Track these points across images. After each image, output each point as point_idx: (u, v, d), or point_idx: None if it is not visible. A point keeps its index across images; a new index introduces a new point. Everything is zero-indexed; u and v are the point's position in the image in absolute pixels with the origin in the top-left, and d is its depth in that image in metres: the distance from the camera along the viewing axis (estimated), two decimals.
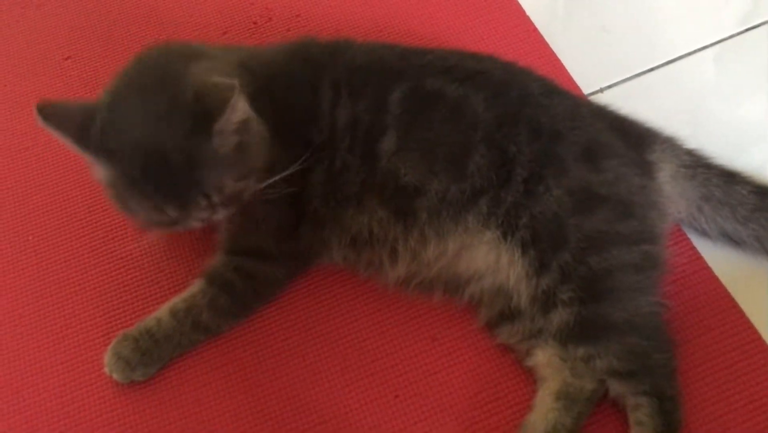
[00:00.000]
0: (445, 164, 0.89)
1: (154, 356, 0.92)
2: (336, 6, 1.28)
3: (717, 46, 1.18)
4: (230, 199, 0.84)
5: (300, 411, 0.90)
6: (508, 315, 0.90)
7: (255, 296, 0.96)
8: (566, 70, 1.15)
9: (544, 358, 0.87)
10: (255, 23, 1.27)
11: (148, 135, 0.79)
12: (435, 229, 0.90)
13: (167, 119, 0.79)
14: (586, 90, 1.13)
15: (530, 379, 0.89)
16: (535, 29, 1.21)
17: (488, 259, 0.90)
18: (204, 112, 0.78)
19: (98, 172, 0.84)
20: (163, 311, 0.93)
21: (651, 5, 1.24)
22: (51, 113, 0.80)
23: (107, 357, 0.92)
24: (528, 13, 1.24)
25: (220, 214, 0.85)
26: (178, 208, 0.82)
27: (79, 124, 0.80)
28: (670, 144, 0.97)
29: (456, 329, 0.94)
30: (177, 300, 0.94)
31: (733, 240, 0.96)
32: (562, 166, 0.88)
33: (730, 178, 0.95)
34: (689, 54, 1.17)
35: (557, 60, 1.17)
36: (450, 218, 0.90)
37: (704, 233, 0.97)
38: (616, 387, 0.85)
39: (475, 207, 0.89)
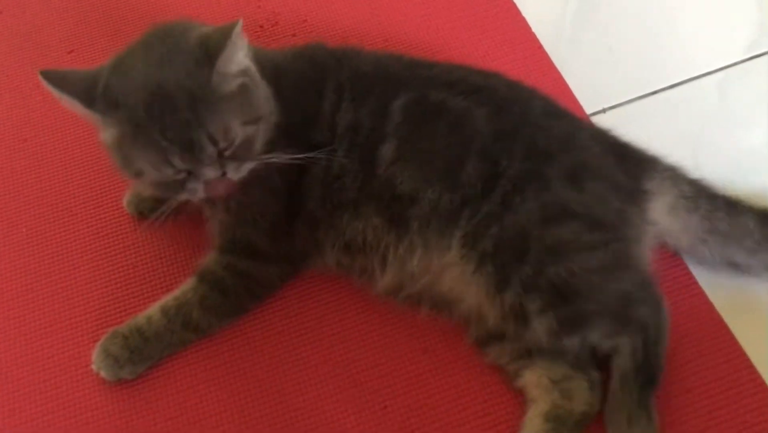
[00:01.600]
0: (440, 174, 0.89)
1: (144, 354, 0.91)
2: (343, 13, 1.28)
3: (722, 72, 1.18)
4: (239, 149, 0.83)
5: (288, 419, 0.89)
6: (495, 335, 0.90)
7: (246, 296, 0.95)
8: (570, 89, 1.15)
9: (533, 378, 0.87)
10: (261, 27, 1.27)
11: (151, 77, 0.80)
12: (423, 240, 0.90)
13: (169, 62, 0.80)
14: (588, 110, 1.14)
15: (520, 397, 0.88)
16: (541, 47, 1.22)
17: (460, 280, 0.89)
18: (206, 54, 0.80)
19: (104, 133, 0.83)
20: (154, 308, 0.93)
21: (657, 29, 1.25)
22: (56, 77, 0.81)
23: (95, 354, 0.91)
24: (534, 30, 1.24)
25: (230, 172, 0.83)
26: (184, 154, 0.79)
27: (84, 86, 0.81)
28: (671, 173, 0.96)
29: (448, 342, 0.94)
30: (168, 298, 0.93)
31: (741, 270, 0.95)
32: (545, 184, 0.88)
33: (734, 208, 0.94)
34: (693, 79, 1.18)
35: (561, 79, 1.17)
36: (438, 229, 0.89)
37: (707, 263, 0.96)
38: (607, 343, 0.86)
39: (459, 220, 0.88)
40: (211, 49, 0.79)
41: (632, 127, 1.00)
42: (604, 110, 1.13)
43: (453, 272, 0.90)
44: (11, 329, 0.98)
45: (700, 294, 0.96)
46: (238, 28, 0.80)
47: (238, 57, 0.82)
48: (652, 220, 0.93)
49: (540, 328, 0.85)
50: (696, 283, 0.97)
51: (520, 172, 0.88)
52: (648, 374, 0.84)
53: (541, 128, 0.92)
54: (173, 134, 0.78)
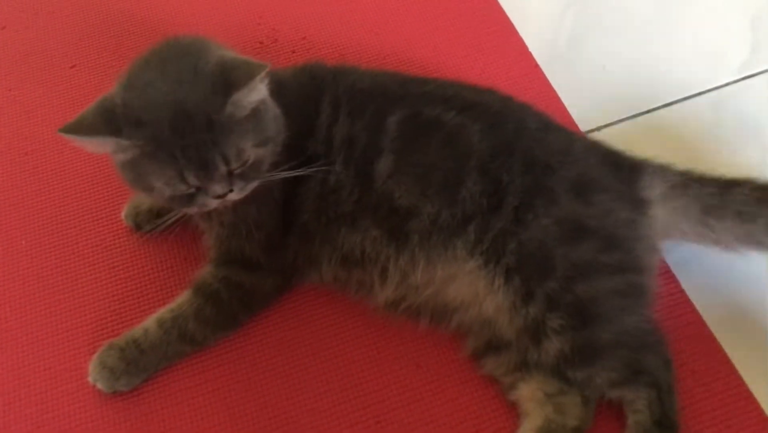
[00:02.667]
0: (438, 189, 0.91)
1: (140, 366, 0.92)
2: (342, 30, 1.30)
3: (715, 92, 1.19)
4: (248, 169, 0.84)
5: (282, 432, 0.90)
6: (494, 346, 0.91)
7: (241, 308, 0.96)
8: (564, 107, 1.17)
9: (528, 392, 0.88)
10: (261, 43, 1.29)
11: (172, 96, 0.80)
12: (425, 252, 0.91)
13: (188, 83, 0.81)
14: (583, 128, 1.15)
15: (513, 412, 0.89)
16: (537, 66, 1.23)
17: (474, 289, 0.90)
18: (224, 82, 0.80)
19: (120, 155, 0.83)
20: (150, 321, 0.94)
21: (652, 49, 1.26)
22: (74, 128, 0.81)
23: (92, 366, 0.91)
24: (531, 49, 1.26)
25: (236, 190, 0.85)
26: (199, 172, 0.81)
27: (103, 119, 0.80)
28: (659, 169, 0.97)
29: (441, 356, 0.94)
30: (164, 310, 0.94)
31: (752, 244, 0.93)
32: (553, 197, 0.89)
33: (726, 184, 0.94)
34: (687, 98, 1.19)
35: (557, 97, 1.19)
36: (440, 242, 0.90)
37: (721, 246, 0.94)
38: (614, 393, 0.86)
39: (464, 234, 0.90)
40: (232, 80, 0.80)
41: (626, 146, 1.00)
42: (598, 128, 1.14)
43: (465, 282, 0.91)
44: (8, 340, 0.98)
45: (692, 311, 0.97)
46: (263, 74, 0.81)
47: (256, 93, 0.82)
48: (655, 222, 0.93)
49: (552, 348, 0.86)
50: (689, 300, 0.97)
51: (524, 186, 0.90)
52: (668, 427, 0.85)
53: (537, 141, 0.94)
54: (192, 153, 0.80)
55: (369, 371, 0.94)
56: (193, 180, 0.82)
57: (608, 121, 1.16)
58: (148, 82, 0.82)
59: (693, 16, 1.30)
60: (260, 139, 0.84)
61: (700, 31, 1.28)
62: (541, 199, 0.89)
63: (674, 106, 1.18)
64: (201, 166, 0.81)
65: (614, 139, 1.03)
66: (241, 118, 0.82)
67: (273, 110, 0.87)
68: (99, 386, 0.91)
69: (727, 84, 1.20)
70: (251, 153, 0.84)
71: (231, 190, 0.85)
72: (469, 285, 0.90)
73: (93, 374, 0.91)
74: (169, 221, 0.93)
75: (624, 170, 0.96)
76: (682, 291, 0.98)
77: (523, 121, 0.96)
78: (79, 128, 0.81)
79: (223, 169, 0.82)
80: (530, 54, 1.25)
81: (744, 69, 1.21)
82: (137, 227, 1.05)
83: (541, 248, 0.87)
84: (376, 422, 0.90)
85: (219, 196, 0.84)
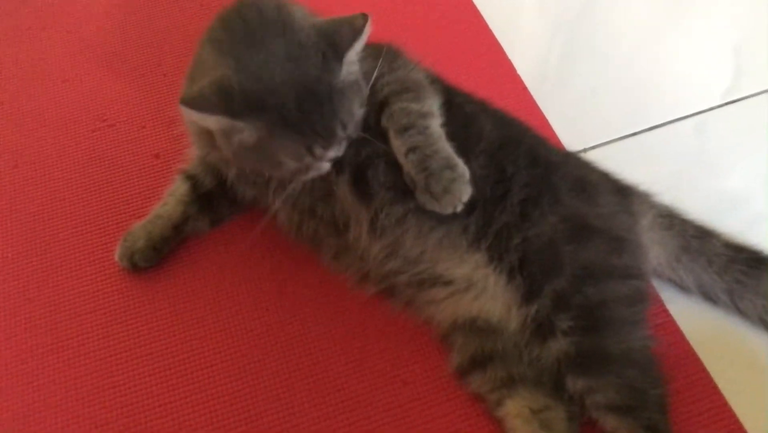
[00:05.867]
0: None
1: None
2: None
3: (698, 117, 1.21)
4: (353, 130, 0.86)
5: None
6: (480, 361, 0.91)
7: None
8: (552, 129, 1.18)
9: (514, 409, 0.88)
10: None
11: (291, 76, 0.81)
12: (417, 224, 0.91)
13: (300, 59, 0.82)
14: (570, 149, 1.16)
15: (499, 430, 0.89)
16: (525, 88, 1.25)
17: (473, 276, 0.91)
18: (333, 46, 0.82)
19: (239, 135, 0.84)
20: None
21: (638, 73, 1.28)
22: (196, 102, 0.81)
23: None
24: (519, 72, 1.28)
25: (340, 151, 0.87)
26: (325, 142, 0.83)
27: (222, 100, 0.81)
28: (646, 197, 1.01)
29: (428, 373, 0.94)
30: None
31: (707, 294, 0.98)
32: (557, 194, 0.91)
33: (704, 231, 0.99)
34: (672, 122, 1.21)
35: (544, 119, 1.20)
36: (436, 219, 0.90)
37: (682, 286, 0.99)
38: (612, 422, 0.85)
39: (464, 222, 0.90)
40: (340, 44, 0.82)
41: (612, 167, 1.03)
42: (584, 150, 1.16)
43: (463, 267, 0.92)
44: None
45: (676, 331, 0.98)
46: (368, 26, 0.83)
47: (360, 44, 0.84)
48: (647, 240, 0.96)
49: (557, 348, 0.86)
50: (672, 320, 0.98)
51: (529, 180, 0.91)
52: None
53: (540, 143, 0.98)
54: (318, 126, 0.82)
55: (356, 388, 0.94)
56: (320, 151, 0.84)
57: (595, 143, 1.18)
58: (259, 65, 0.81)
59: (678, 43, 1.33)
60: (361, 99, 0.86)
61: (685, 57, 1.30)
62: (546, 196, 0.91)
63: (659, 129, 1.20)
64: (327, 137, 0.83)
65: (600, 160, 1.05)
66: (350, 81, 0.84)
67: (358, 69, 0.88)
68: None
69: (710, 109, 1.22)
70: (357, 114, 0.86)
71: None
72: (468, 271, 0.91)
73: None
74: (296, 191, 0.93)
75: (616, 186, 1.00)
76: (665, 310, 0.99)
77: (527, 129, 1.01)
78: (201, 105, 0.81)
79: (341, 134, 0.84)
80: (519, 77, 1.27)
81: (727, 95, 1.24)
82: (133, 266, 1.03)
83: (549, 244, 0.88)
84: None
85: (331, 160, 0.87)
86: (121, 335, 0.99)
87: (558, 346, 0.86)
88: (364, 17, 0.83)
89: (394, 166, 0.90)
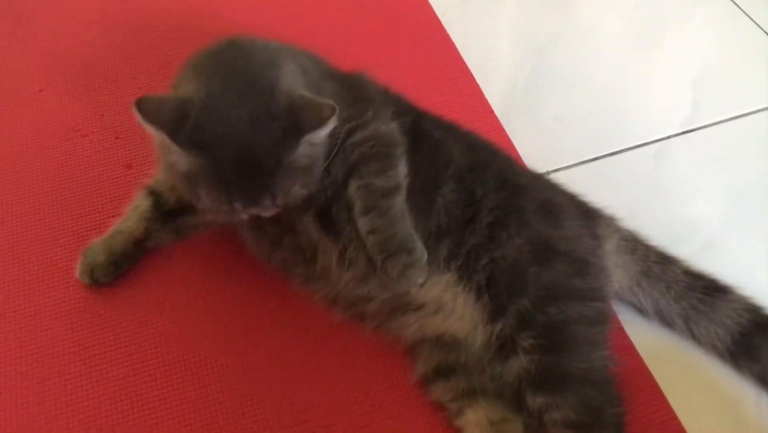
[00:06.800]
0: (416, 196, 0.93)
1: None
2: None
3: (657, 144, 1.26)
4: (289, 202, 0.87)
5: None
6: (443, 371, 0.92)
7: None
8: (517, 151, 1.22)
9: (473, 418, 0.89)
10: None
11: (243, 138, 0.81)
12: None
13: (261, 125, 0.82)
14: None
15: None
16: (492, 112, 1.29)
17: (442, 297, 0.93)
18: (295, 124, 0.82)
19: (177, 157, 0.84)
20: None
21: (600, 101, 1.33)
22: (147, 109, 0.81)
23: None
24: (487, 96, 1.31)
25: (268, 213, 0.88)
26: (246, 204, 0.84)
27: (173, 120, 0.81)
28: (611, 221, 1.03)
29: (391, 382, 0.96)
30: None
31: (664, 319, 1.00)
32: (524, 217, 0.93)
33: (665, 257, 1.01)
34: (631, 148, 1.25)
35: (510, 142, 1.24)
36: None
37: (640, 309, 1.02)
38: None
39: (436, 248, 0.92)
40: (302, 126, 0.82)
41: (573, 190, 1.06)
42: (547, 173, 1.19)
43: (433, 289, 0.93)
44: None
45: (633, 352, 1.00)
46: (335, 118, 0.82)
47: (323, 131, 0.84)
48: (611, 263, 0.99)
49: (517, 366, 0.87)
50: (630, 342, 1.01)
51: (497, 203, 0.93)
52: None
53: (508, 166, 1.01)
54: (245, 189, 0.83)
55: (318, 397, 0.94)
56: (239, 208, 0.85)
57: (556, 167, 1.21)
58: (223, 112, 0.82)
59: (640, 75, 1.38)
60: (308, 182, 0.87)
61: (646, 88, 1.35)
62: (513, 218, 0.93)
63: (620, 155, 1.24)
64: (249, 201, 0.84)
65: (561, 183, 1.08)
66: (304, 164, 0.85)
67: (323, 149, 0.89)
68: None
69: (669, 137, 1.27)
70: (296, 192, 0.86)
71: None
72: (438, 293, 0.93)
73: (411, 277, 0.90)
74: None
75: (581, 209, 1.02)
76: (623, 332, 1.02)
77: (496, 151, 1.03)
78: (150, 114, 0.81)
79: (267, 204, 0.85)
80: (486, 101, 1.31)
81: (685, 124, 1.29)
82: (94, 282, 1.02)
83: (514, 265, 0.90)
84: None
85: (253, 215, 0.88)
86: (86, 345, 0.99)
87: (519, 363, 0.87)
88: (332, 109, 0.82)
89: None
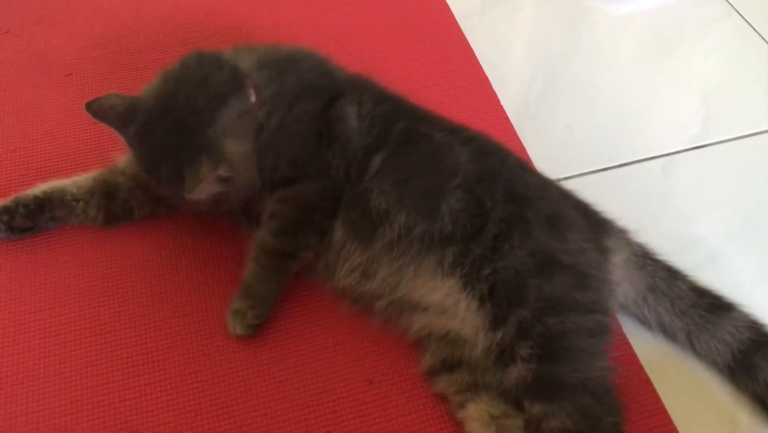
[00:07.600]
0: (416, 199, 0.95)
1: (261, 299, 1.00)
2: None
3: (666, 158, 1.27)
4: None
5: None
6: (449, 365, 0.94)
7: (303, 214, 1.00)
8: (529, 158, 1.23)
9: (475, 412, 0.90)
10: None
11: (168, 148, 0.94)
12: (390, 260, 0.96)
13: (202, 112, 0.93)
14: None
15: (459, 431, 0.92)
16: (507, 119, 1.31)
17: (446, 302, 0.94)
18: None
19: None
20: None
21: (612, 113, 1.34)
22: (96, 109, 0.94)
23: (228, 317, 0.99)
24: (503, 104, 1.33)
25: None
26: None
27: (121, 117, 0.94)
28: (623, 234, 1.04)
29: (393, 373, 0.97)
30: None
31: (666, 332, 1.01)
32: (528, 229, 0.94)
33: (672, 273, 1.01)
34: (641, 161, 1.26)
35: (523, 148, 1.25)
36: (410, 255, 0.95)
37: (644, 321, 1.02)
38: None
39: (440, 253, 0.94)
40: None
41: (583, 198, 1.07)
42: (558, 180, 1.20)
43: (437, 294, 0.94)
44: None
45: (636, 363, 1.01)
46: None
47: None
48: (617, 277, 1.00)
49: (515, 374, 0.88)
50: (633, 352, 1.02)
51: (505, 215, 0.94)
52: None
53: (516, 176, 1.00)
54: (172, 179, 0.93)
55: (322, 384, 0.95)
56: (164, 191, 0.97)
57: (567, 175, 1.22)
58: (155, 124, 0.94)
59: (652, 89, 1.39)
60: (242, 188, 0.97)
61: (657, 102, 1.37)
62: (518, 230, 0.93)
63: (630, 167, 1.25)
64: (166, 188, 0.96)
65: (570, 191, 1.10)
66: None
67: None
68: (238, 330, 0.97)
69: (678, 152, 1.28)
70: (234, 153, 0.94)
71: None
72: (442, 297, 0.94)
73: (231, 325, 0.97)
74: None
75: (591, 221, 1.02)
76: (627, 343, 1.02)
77: (506, 156, 1.03)
78: (99, 112, 0.94)
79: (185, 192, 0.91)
80: (502, 108, 1.32)
81: (695, 140, 1.30)
82: (11, 217, 1.06)
83: (515, 276, 0.91)
84: (326, 432, 0.92)
85: None
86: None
87: (517, 372, 0.88)
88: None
89: (357, 217, 0.97)
